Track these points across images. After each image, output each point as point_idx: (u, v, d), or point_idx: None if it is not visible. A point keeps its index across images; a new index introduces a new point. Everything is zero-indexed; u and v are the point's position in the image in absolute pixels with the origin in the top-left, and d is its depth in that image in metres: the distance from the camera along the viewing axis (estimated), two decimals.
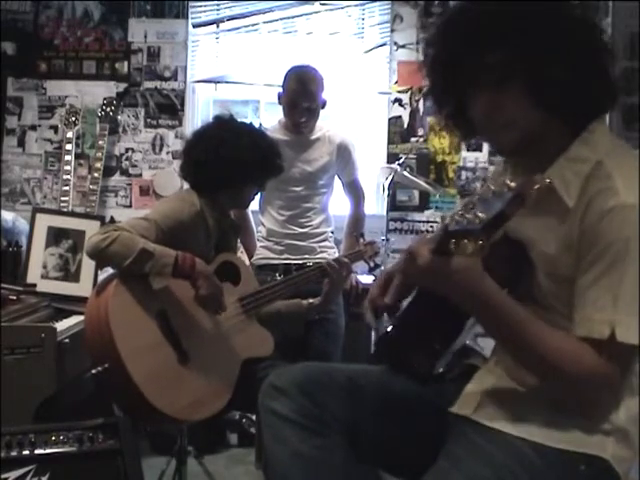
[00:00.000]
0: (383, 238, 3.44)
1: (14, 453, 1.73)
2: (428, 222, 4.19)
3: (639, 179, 1.23)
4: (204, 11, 4.26)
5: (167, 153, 4.26)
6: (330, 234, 3.20)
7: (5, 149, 4.26)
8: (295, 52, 4.13)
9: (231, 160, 2.29)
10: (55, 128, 4.25)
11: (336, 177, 3.21)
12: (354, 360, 2.76)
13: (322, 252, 3.10)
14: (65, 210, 3.71)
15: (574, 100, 1.28)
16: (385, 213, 3.65)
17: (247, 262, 3.03)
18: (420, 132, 4.22)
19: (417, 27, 4.20)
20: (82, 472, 1.78)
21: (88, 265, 2.96)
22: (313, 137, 3.12)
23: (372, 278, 3.37)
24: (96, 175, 3.98)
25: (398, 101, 4.23)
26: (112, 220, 3.89)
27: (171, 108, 4.26)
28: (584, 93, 1.28)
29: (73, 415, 1.95)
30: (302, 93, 2.97)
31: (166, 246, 2.10)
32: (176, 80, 4.26)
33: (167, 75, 4.27)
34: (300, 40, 4.25)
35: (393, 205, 3.96)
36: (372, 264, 2.71)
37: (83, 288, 2.92)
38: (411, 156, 4.17)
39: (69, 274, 3.00)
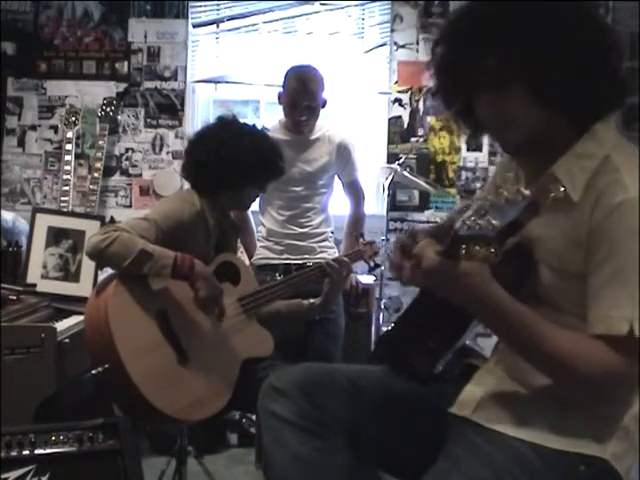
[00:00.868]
0: (383, 238, 3.43)
1: (14, 453, 1.73)
2: (428, 222, 4.18)
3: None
4: (204, 11, 4.26)
5: (167, 153, 4.27)
6: (330, 234, 3.20)
7: (5, 149, 4.26)
8: (295, 52, 4.13)
9: (232, 161, 2.29)
10: (55, 128, 4.25)
11: (336, 177, 3.21)
12: (354, 360, 2.77)
13: (322, 252, 3.10)
14: (65, 210, 3.71)
15: (577, 99, 1.28)
16: (385, 213, 3.65)
17: (247, 262, 3.03)
18: (420, 132, 4.22)
19: (417, 27, 4.21)
20: (82, 472, 1.77)
21: (88, 265, 2.96)
22: (313, 137, 3.12)
23: (372, 278, 3.39)
24: (96, 175, 3.98)
25: (398, 101, 4.23)
26: (112, 220, 3.89)
27: (171, 108, 4.27)
28: (587, 92, 1.28)
29: (73, 415, 1.95)
30: (302, 92, 2.98)
31: (166, 246, 2.10)
32: (176, 80, 4.27)
33: (167, 75, 4.27)
34: (300, 40, 4.25)
35: (393, 205, 3.96)
36: (372, 264, 2.71)
37: (83, 288, 2.92)
38: (411, 156, 4.18)
39: (69, 274, 3.00)
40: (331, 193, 3.21)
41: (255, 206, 2.66)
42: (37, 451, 1.75)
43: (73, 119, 4.03)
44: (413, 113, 4.22)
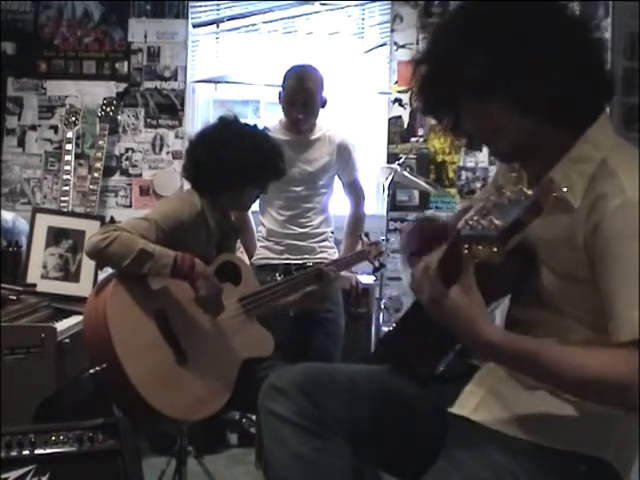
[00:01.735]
0: (383, 238, 3.43)
1: (14, 453, 1.73)
2: None
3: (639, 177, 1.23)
4: (204, 11, 4.27)
5: (167, 153, 4.27)
6: (330, 234, 3.20)
7: (5, 149, 4.26)
8: (295, 52, 4.13)
9: (232, 161, 2.29)
10: (55, 128, 4.25)
11: (336, 177, 3.21)
12: (354, 360, 2.76)
13: (322, 252, 3.10)
14: (65, 210, 3.72)
15: (561, 102, 1.26)
16: (385, 213, 3.65)
17: (247, 262, 3.03)
18: (420, 132, 4.22)
19: (417, 27, 4.20)
20: (82, 472, 1.78)
21: (88, 265, 2.96)
22: (313, 137, 3.12)
23: (372, 278, 3.39)
24: (96, 175, 3.98)
25: (398, 101, 4.23)
26: (112, 220, 3.89)
27: (171, 108, 4.27)
28: (570, 94, 1.26)
29: (73, 415, 1.95)
30: (299, 89, 2.98)
31: (166, 246, 2.10)
32: (176, 80, 4.27)
33: (167, 75, 4.27)
34: (300, 40, 4.25)
35: (393, 205, 3.95)
36: (377, 264, 2.70)
37: (83, 288, 2.92)
38: (411, 156, 4.18)
39: (69, 274, 3.00)
40: (331, 193, 3.21)
41: (255, 206, 2.66)
42: (37, 451, 1.75)
43: (73, 119, 4.03)
44: (413, 113, 4.22)
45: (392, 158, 4.05)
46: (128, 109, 4.26)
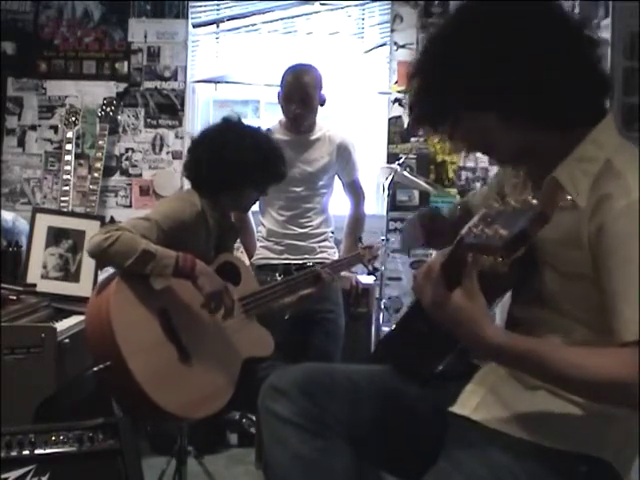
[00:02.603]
0: (383, 238, 3.44)
1: (14, 453, 1.73)
2: None
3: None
4: (204, 11, 4.27)
5: (167, 153, 4.27)
6: (330, 234, 3.20)
7: (5, 149, 4.26)
8: (295, 52, 4.13)
9: (232, 162, 2.29)
10: (55, 128, 4.25)
11: (336, 177, 3.21)
12: (354, 360, 2.77)
13: (322, 252, 3.10)
14: (65, 210, 3.72)
15: (555, 109, 1.26)
16: (385, 213, 3.65)
17: (247, 262, 3.03)
18: (420, 132, 4.22)
19: (417, 27, 4.21)
20: (82, 472, 1.77)
21: (88, 265, 2.96)
22: (313, 137, 3.12)
23: (372, 278, 3.39)
24: (96, 175, 3.98)
25: (398, 101, 4.23)
26: (112, 220, 3.89)
27: (171, 108, 4.27)
28: (571, 98, 1.26)
29: (73, 415, 1.95)
30: (297, 85, 2.98)
31: (167, 246, 2.10)
32: (176, 80, 4.27)
33: (167, 75, 4.27)
34: (300, 40, 4.25)
35: (393, 205, 3.95)
36: (371, 267, 2.71)
37: (83, 288, 2.92)
38: (411, 156, 4.18)
39: (69, 274, 2.99)
40: (331, 193, 3.21)
41: (255, 206, 2.66)
42: (37, 451, 1.75)
43: (73, 119, 4.03)
44: None
45: (392, 158, 4.05)
46: (128, 109, 4.26)
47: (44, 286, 2.89)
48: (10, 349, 2.23)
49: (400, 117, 4.23)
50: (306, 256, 3.07)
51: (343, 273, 3.01)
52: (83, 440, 1.80)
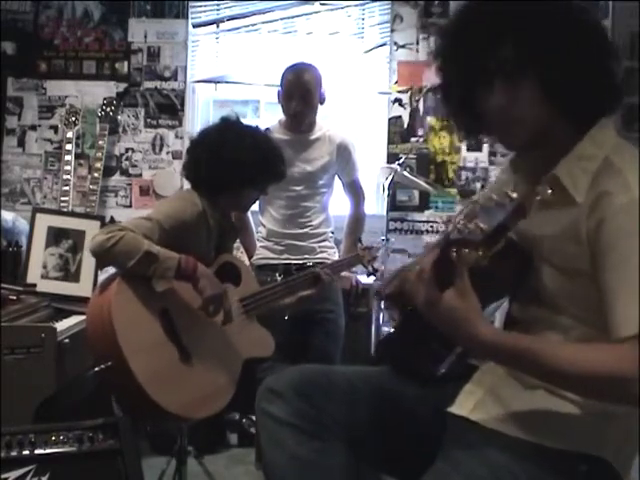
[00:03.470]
0: (383, 238, 3.44)
1: (14, 453, 1.73)
2: (428, 222, 4.19)
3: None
4: (204, 11, 4.27)
5: (167, 153, 4.27)
6: (330, 234, 3.20)
7: (5, 149, 4.26)
8: (295, 52, 4.12)
9: (232, 162, 2.29)
10: (55, 128, 4.25)
11: (336, 177, 3.21)
12: (354, 360, 2.77)
13: (322, 252, 3.10)
14: (65, 210, 3.71)
15: (581, 99, 1.28)
16: (385, 213, 3.65)
17: (247, 262, 3.03)
18: (420, 132, 4.22)
19: (417, 27, 4.21)
20: (82, 472, 1.77)
21: (88, 265, 2.96)
22: (313, 137, 3.12)
23: (372, 278, 3.39)
24: (96, 175, 3.98)
25: (398, 101, 4.23)
26: (112, 220, 3.89)
27: (171, 108, 4.27)
28: (591, 93, 1.29)
29: (73, 415, 1.95)
30: (297, 82, 2.99)
31: (168, 246, 2.10)
32: (176, 80, 4.27)
33: (167, 75, 4.27)
34: (300, 40, 4.25)
35: (393, 205, 3.95)
36: (371, 268, 2.71)
37: (83, 288, 2.92)
38: (411, 156, 4.18)
39: (69, 274, 2.99)
40: (331, 193, 3.21)
41: (255, 206, 2.66)
42: (37, 451, 1.75)
43: (73, 119, 4.03)
44: (413, 113, 4.22)
45: (392, 158, 4.05)
46: (128, 109, 4.26)
47: (44, 286, 2.88)
48: (10, 349, 2.23)
49: (400, 117, 4.23)
50: (306, 256, 3.07)
51: (343, 273, 3.01)
52: (83, 440, 1.79)
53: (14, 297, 2.59)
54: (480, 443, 1.31)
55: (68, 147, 3.99)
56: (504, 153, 3.70)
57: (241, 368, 2.18)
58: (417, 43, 4.20)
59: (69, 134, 4.02)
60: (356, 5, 4.24)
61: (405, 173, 3.58)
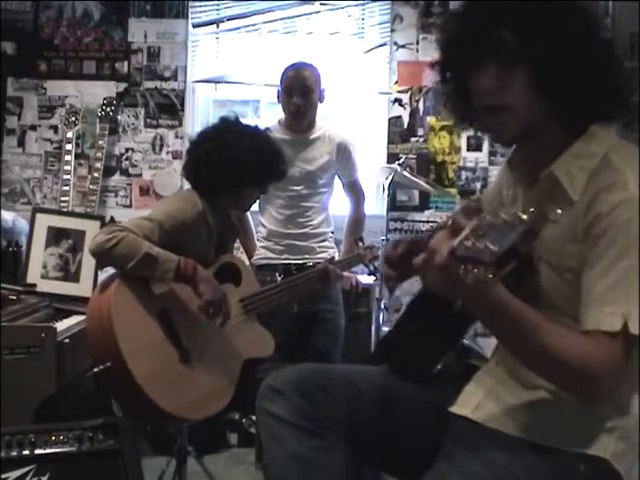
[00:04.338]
0: (383, 238, 3.43)
1: (14, 453, 1.73)
2: (428, 222, 4.19)
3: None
4: (204, 11, 4.26)
5: (167, 153, 4.27)
6: (330, 234, 3.20)
7: (5, 149, 4.26)
8: (295, 52, 4.12)
9: (232, 162, 2.29)
10: (55, 128, 4.25)
11: (336, 177, 3.21)
12: (354, 360, 2.77)
13: (322, 252, 3.10)
14: (65, 210, 3.71)
15: (577, 98, 1.28)
16: (385, 213, 3.65)
17: (247, 262, 3.03)
18: (420, 132, 4.22)
19: (417, 27, 4.20)
20: (82, 472, 1.77)
21: (88, 265, 2.96)
22: (313, 136, 3.12)
23: (372, 278, 3.39)
24: (96, 175, 3.98)
25: (398, 101, 4.23)
26: (112, 220, 3.88)
27: (171, 108, 4.27)
28: (586, 94, 1.28)
29: (73, 415, 1.94)
30: (296, 79, 3.00)
31: (168, 246, 2.10)
32: (176, 80, 4.27)
33: (167, 75, 4.27)
34: (300, 40, 4.25)
35: (393, 205, 3.96)
36: (372, 268, 2.72)
37: (83, 288, 2.92)
38: (411, 156, 4.18)
39: (69, 274, 2.99)
40: (331, 193, 3.21)
41: (255, 206, 2.67)
42: (37, 451, 1.75)
43: (73, 119, 4.03)
44: (413, 113, 4.22)
45: (392, 158, 4.04)
46: (128, 109, 4.26)
47: (44, 286, 2.88)
48: (10, 349, 2.22)
49: (400, 117, 4.23)
50: (306, 256, 3.07)
51: (343, 273, 3.01)
52: (83, 440, 1.79)
53: (14, 297, 2.59)
54: (481, 443, 1.31)
55: (68, 147, 3.99)
56: (504, 153, 3.70)
57: (241, 368, 2.18)
58: (417, 43, 4.20)
59: (69, 134, 4.02)
60: (356, 5, 4.24)
61: (405, 173, 3.57)
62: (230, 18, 4.26)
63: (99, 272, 2.86)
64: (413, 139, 4.23)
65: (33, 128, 4.27)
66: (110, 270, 2.16)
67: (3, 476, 1.69)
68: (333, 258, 2.79)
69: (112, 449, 1.80)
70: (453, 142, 4.21)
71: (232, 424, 3.50)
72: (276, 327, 2.38)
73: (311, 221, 3.11)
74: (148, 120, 4.27)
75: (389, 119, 4.24)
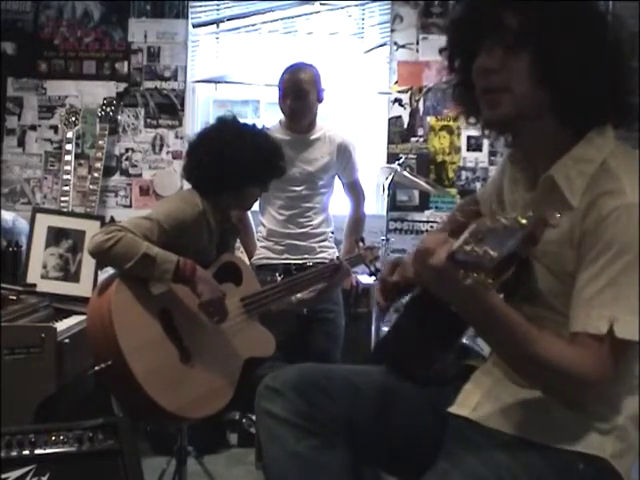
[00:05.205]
0: (383, 238, 3.44)
1: (14, 453, 1.73)
2: (428, 222, 4.19)
3: (639, 179, 1.24)
4: (204, 11, 4.26)
5: (167, 153, 4.27)
6: (330, 234, 3.20)
7: (5, 149, 4.26)
8: (295, 52, 4.12)
9: (233, 161, 2.29)
10: (55, 128, 4.25)
11: (336, 177, 3.21)
12: (354, 360, 2.77)
13: (322, 252, 3.10)
14: (65, 210, 3.71)
15: (577, 94, 1.27)
16: (385, 213, 3.65)
17: (247, 262, 3.03)
18: (420, 132, 4.22)
19: (417, 27, 4.21)
20: (82, 472, 1.77)
21: (88, 265, 2.96)
22: (313, 137, 3.12)
23: (372, 278, 3.39)
24: (96, 175, 3.98)
25: (398, 101, 4.23)
26: (112, 220, 3.88)
27: (171, 108, 4.27)
28: (589, 91, 1.27)
29: (73, 415, 1.94)
30: (291, 81, 3.00)
31: (168, 246, 2.10)
32: (176, 80, 4.27)
33: (167, 75, 4.27)
34: (300, 40, 4.25)
35: (393, 205, 3.96)
36: (373, 268, 2.72)
37: (83, 288, 2.92)
38: (411, 156, 4.18)
39: (69, 274, 2.99)
40: (331, 193, 3.22)
41: (255, 206, 2.67)
42: (37, 451, 1.75)
43: (73, 119, 4.03)
44: (413, 113, 4.22)
45: (392, 158, 4.05)
46: (128, 109, 4.26)
47: (44, 286, 2.88)
48: (10, 349, 2.22)
49: (400, 117, 4.23)
50: (306, 256, 3.07)
51: None
52: (83, 440, 1.79)
53: (14, 297, 2.59)
54: (481, 442, 1.31)
55: (68, 147, 3.99)
56: (504, 153, 3.70)
57: (241, 368, 2.18)
58: (417, 43, 4.20)
59: (69, 134, 4.02)
60: (356, 5, 4.24)
61: (405, 173, 3.57)
62: (230, 18, 4.26)
63: (99, 272, 2.86)
64: (413, 139, 4.23)
65: (33, 128, 4.27)
66: (110, 270, 2.16)
67: (3, 476, 1.70)
68: (337, 258, 2.79)
69: (112, 449, 1.80)
70: (453, 142, 4.21)
71: (232, 424, 3.50)
72: (278, 328, 2.38)
73: (311, 221, 3.11)
74: (148, 120, 4.27)
75: (389, 119, 4.24)
